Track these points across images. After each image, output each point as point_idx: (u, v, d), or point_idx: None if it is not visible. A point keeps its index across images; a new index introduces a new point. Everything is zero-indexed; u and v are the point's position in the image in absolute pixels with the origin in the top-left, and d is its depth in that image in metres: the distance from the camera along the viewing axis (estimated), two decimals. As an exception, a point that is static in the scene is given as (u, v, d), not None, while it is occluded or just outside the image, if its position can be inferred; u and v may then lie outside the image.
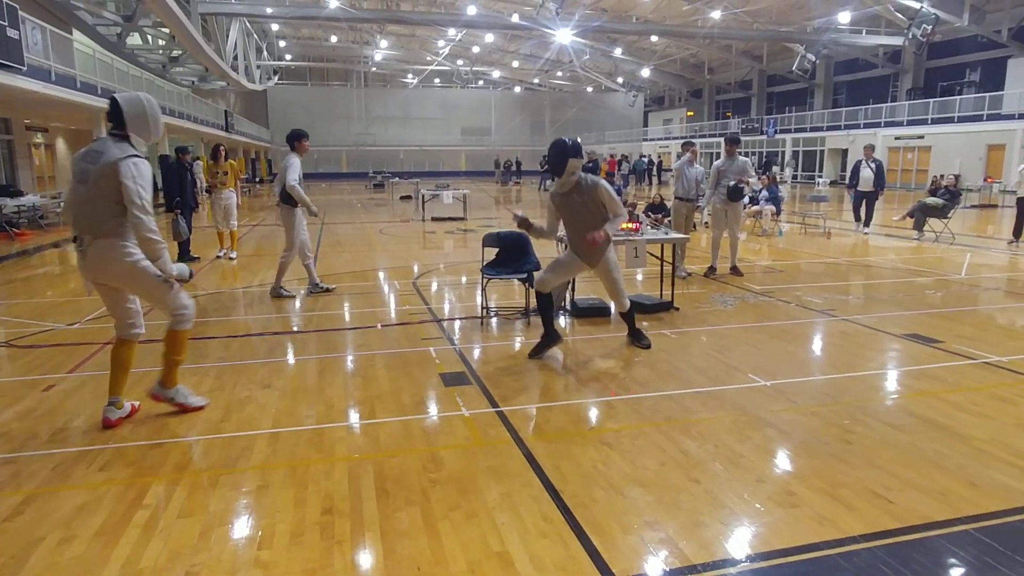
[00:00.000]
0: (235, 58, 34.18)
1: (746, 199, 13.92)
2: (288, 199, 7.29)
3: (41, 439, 3.64)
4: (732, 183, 8.14)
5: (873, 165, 13.03)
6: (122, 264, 3.61)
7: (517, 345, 5.53)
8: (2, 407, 4.13)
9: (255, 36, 41.02)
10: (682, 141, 9.36)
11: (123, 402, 3.87)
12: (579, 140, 5.03)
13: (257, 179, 43.72)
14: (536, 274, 5.41)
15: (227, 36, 31.71)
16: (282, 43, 48.29)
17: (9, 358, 5.27)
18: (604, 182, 5.01)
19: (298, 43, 49.16)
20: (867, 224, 13.25)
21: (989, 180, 25.81)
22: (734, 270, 8.52)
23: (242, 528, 2.72)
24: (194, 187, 10.29)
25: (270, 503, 2.92)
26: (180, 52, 32.09)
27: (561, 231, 5.33)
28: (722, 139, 8.82)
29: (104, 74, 18.91)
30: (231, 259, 10.29)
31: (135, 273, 3.65)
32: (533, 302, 6.35)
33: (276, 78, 51.92)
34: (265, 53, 45.37)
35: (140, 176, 3.48)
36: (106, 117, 3.70)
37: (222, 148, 10.36)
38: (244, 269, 9.60)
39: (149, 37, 31.56)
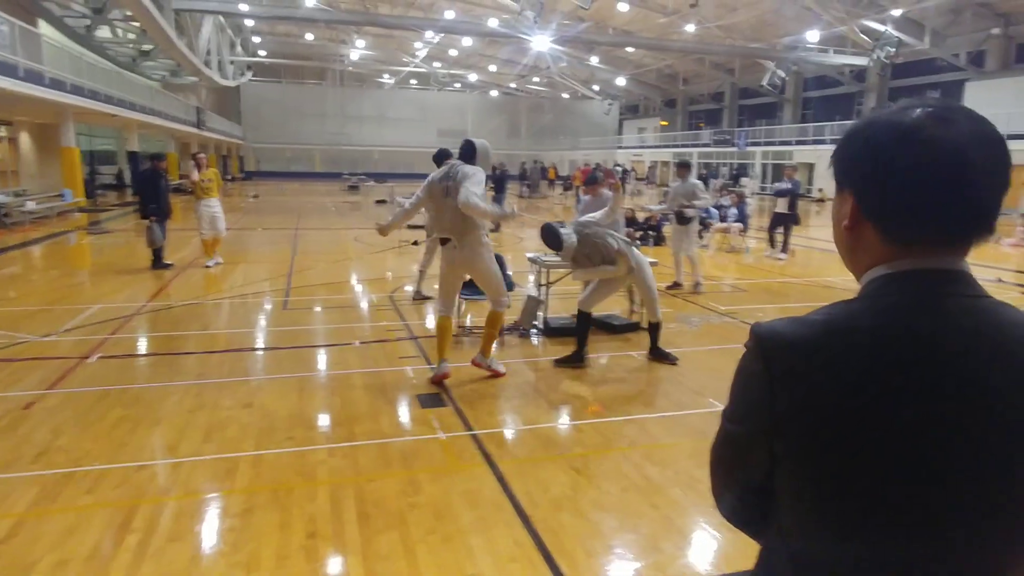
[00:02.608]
0: (208, 53, 33.80)
1: (714, 215, 14.38)
2: None
3: (26, 460, 3.74)
4: (676, 208, 8.67)
5: (788, 185, 12.14)
6: (482, 259, 5.00)
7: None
8: (-16, 424, 4.20)
9: (229, 31, 40.58)
10: (679, 161, 9.56)
11: (447, 364, 5.08)
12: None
13: (228, 177, 43.27)
14: (579, 295, 5.90)
15: (200, 31, 31.35)
16: (257, 39, 47.84)
17: (-14, 371, 5.31)
18: (590, 231, 5.50)
19: (273, 39, 48.74)
20: (784, 249, 12.33)
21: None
22: (695, 286, 8.92)
23: (230, 552, 2.88)
24: (168, 193, 10.26)
25: (256, 527, 3.08)
26: (151, 46, 31.63)
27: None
28: (694, 150, 9.26)
29: (73, 69, 18.65)
30: (208, 266, 10.23)
31: (488, 264, 5.04)
32: (507, 322, 6.58)
33: (250, 74, 51.38)
34: (239, 48, 44.87)
35: (476, 177, 4.82)
36: (460, 152, 5.08)
37: (203, 155, 10.25)
38: (220, 277, 9.64)
39: (119, 30, 31.07)
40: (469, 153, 5.02)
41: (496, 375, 5.28)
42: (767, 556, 0.99)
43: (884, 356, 0.82)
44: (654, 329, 5.85)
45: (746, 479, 0.97)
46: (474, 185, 4.76)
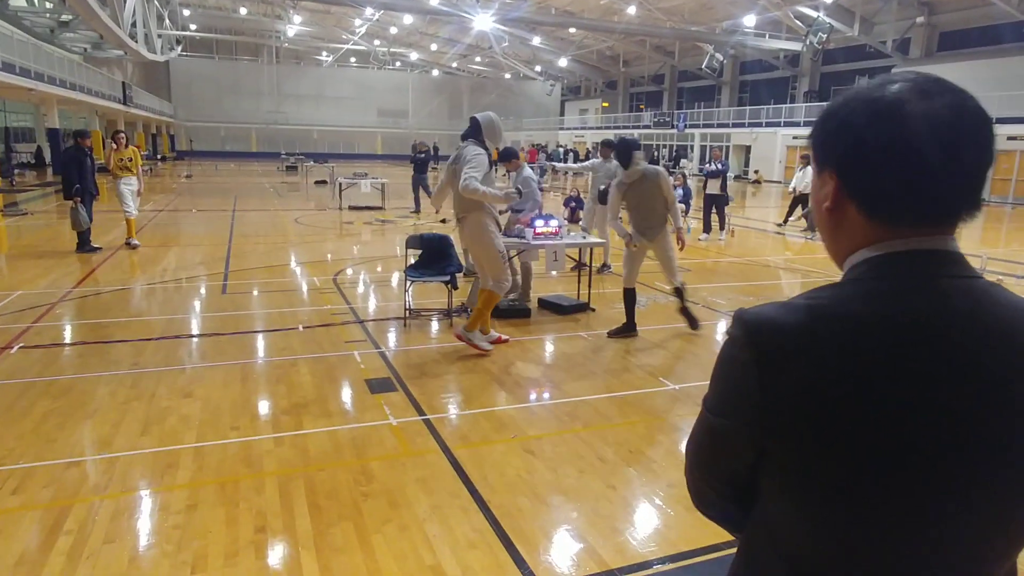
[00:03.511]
0: (133, 26, 32.02)
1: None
2: None
3: (-58, 458, 3.47)
4: (602, 187, 8.54)
5: (718, 166, 12.34)
6: (481, 239, 5.16)
7: (440, 347, 5.65)
8: None
9: (156, 3, 38.54)
10: (603, 139, 9.20)
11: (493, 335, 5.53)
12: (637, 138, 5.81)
13: (159, 156, 41.45)
14: (622, 277, 6.14)
15: (124, 1, 29.65)
16: (186, 12, 45.61)
17: None
18: (664, 171, 5.90)
19: (204, 13, 46.54)
20: (721, 228, 12.73)
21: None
22: (603, 267, 8.88)
23: (173, 551, 2.74)
24: (94, 173, 9.74)
25: (200, 523, 2.93)
26: (71, 16, 29.78)
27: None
28: (635, 131, 9.08)
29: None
30: (136, 245, 9.96)
31: (486, 245, 5.19)
32: (455, 302, 6.50)
33: (179, 49, 49.05)
34: (167, 22, 42.70)
35: (475, 159, 4.97)
36: (468, 129, 5.22)
37: (123, 134, 9.98)
38: (153, 261, 9.20)
39: (35, -1, 29.15)
40: (475, 130, 5.19)
41: (478, 349, 5.32)
42: (750, 551, 0.96)
43: (875, 342, 0.79)
44: (680, 293, 6.14)
45: (728, 472, 0.93)
46: (472, 169, 4.90)
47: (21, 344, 5.42)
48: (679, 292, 6.12)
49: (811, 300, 0.84)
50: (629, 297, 6.07)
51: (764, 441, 0.84)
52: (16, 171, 24.42)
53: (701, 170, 37.63)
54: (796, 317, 0.82)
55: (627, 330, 6.07)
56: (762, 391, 0.82)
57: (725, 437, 0.90)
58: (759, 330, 0.84)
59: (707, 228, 12.77)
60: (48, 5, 29.59)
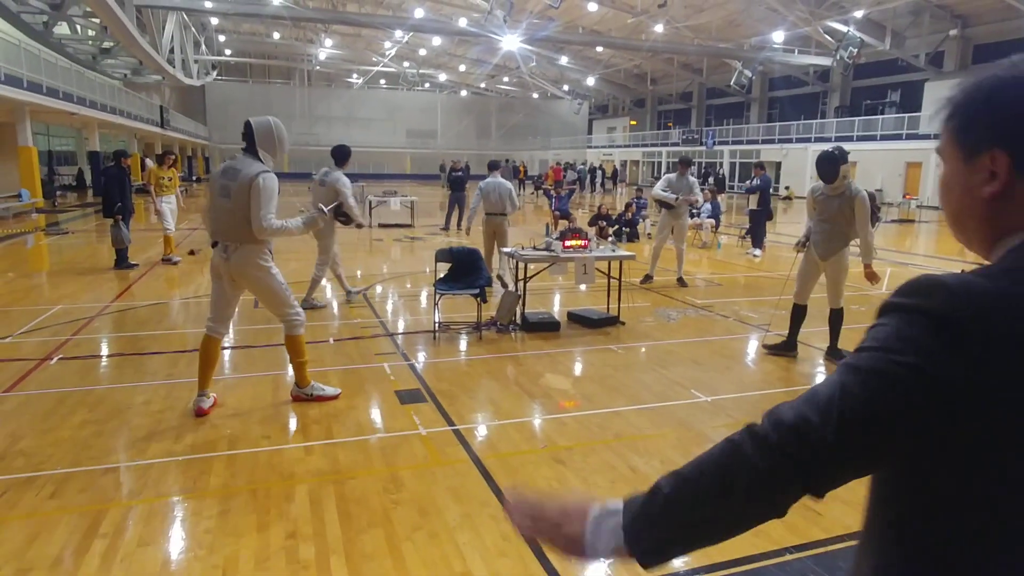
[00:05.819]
0: (171, 51, 33.06)
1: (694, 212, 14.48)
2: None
3: (-16, 463, 3.54)
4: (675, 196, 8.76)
5: (756, 181, 12.24)
6: (258, 269, 4.21)
7: (470, 360, 5.64)
8: (-62, 429, 3.98)
9: (193, 29, 39.78)
10: (679, 159, 9.45)
11: (211, 393, 4.35)
12: (844, 149, 5.48)
13: (194, 178, 42.47)
14: (794, 292, 5.90)
15: (163, 28, 30.65)
16: (222, 38, 47.03)
17: (-61, 374, 5.05)
18: (865, 194, 5.42)
19: (238, 38, 47.93)
20: (755, 245, 12.39)
21: (908, 197, 27.34)
22: (679, 281, 9.07)
23: (205, 555, 2.75)
24: (131, 192, 10.06)
25: (232, 528, 2.94)
26: (112, 44, 30.84)
27: None
28: (663, 149, 9.23)
29: (30, 65, 18.09)
30: (177, 262, 10.32)
31: (265, 279, 4.26)
32: (484, 316, 6.49)
33: (215, 73, 50.48)
34: (204, 47, 44.02)
35: (265, 190, 4.04)
36: (241, 138, 4.24)
37: (173, 155, 10.61)
38: (187, 277, 9.38)
39: (79, 27, 30.22)
40: (248, 139, 4.19)
41: (324, 400, 4.55)
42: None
43: None
44: (838, 317, 5.81)
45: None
46: (264, 206, 4.01)
47: (60, 356, 5.54)
48: (837, 318, 5.79)
49: (985, 278, 0.77)
50: (797, 313, 5.85)
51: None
52: (59, 192, 25.20)
53: (731, 187, 37.39)
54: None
55: (787, 348, 5.85)
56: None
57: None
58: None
59: (754, 243, 12.59)
60: (91, 33, 30.67)
